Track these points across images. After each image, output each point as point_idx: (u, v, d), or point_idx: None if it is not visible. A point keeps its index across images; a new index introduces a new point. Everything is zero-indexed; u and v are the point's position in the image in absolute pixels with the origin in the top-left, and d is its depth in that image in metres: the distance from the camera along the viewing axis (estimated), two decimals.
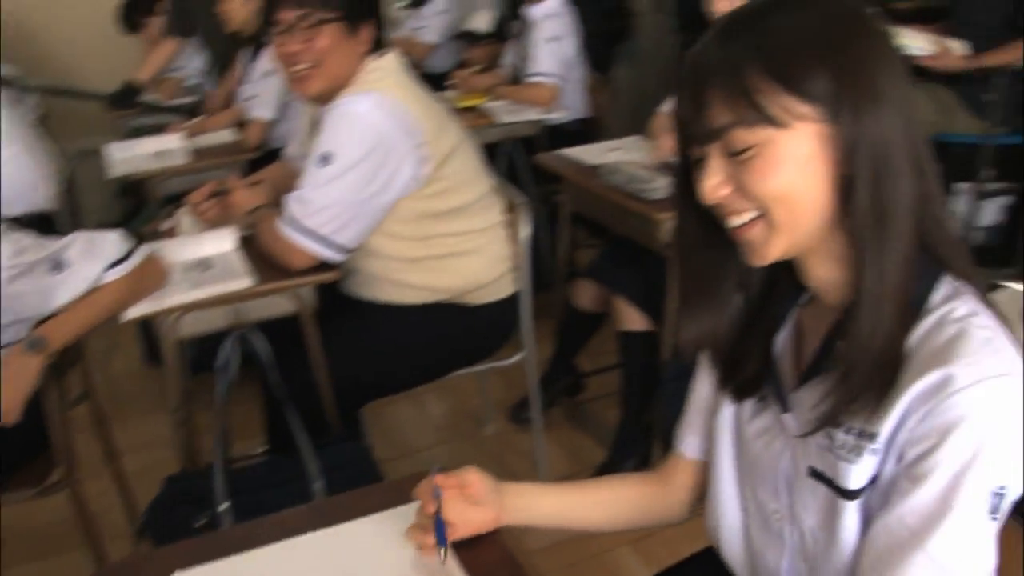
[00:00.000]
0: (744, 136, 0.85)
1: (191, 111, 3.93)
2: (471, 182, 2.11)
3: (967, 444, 0.81)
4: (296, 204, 1.91)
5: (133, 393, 3.20)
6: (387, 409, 2.86)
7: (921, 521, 0.83)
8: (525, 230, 2.21)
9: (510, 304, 2.23)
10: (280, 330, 1.99)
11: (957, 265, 0.91)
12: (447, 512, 1.09)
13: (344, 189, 1.89)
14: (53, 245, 1.73)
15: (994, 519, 0.82)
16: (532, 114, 3.46)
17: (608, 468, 2.51)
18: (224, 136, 3.40)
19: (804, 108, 0.83)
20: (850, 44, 0.84)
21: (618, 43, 4.93)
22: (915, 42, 3.20)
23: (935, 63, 3.17)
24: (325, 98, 1.97)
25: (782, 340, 1.02)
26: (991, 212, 3.43)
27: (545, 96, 3.49)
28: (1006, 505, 0.83)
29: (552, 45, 3.50)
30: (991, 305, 0.90)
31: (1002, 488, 0.82)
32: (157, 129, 3.61)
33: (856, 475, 0.89)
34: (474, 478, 1.12)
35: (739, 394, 1.05)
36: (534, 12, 3.58)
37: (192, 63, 4.31)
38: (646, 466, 2.52)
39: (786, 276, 0.98)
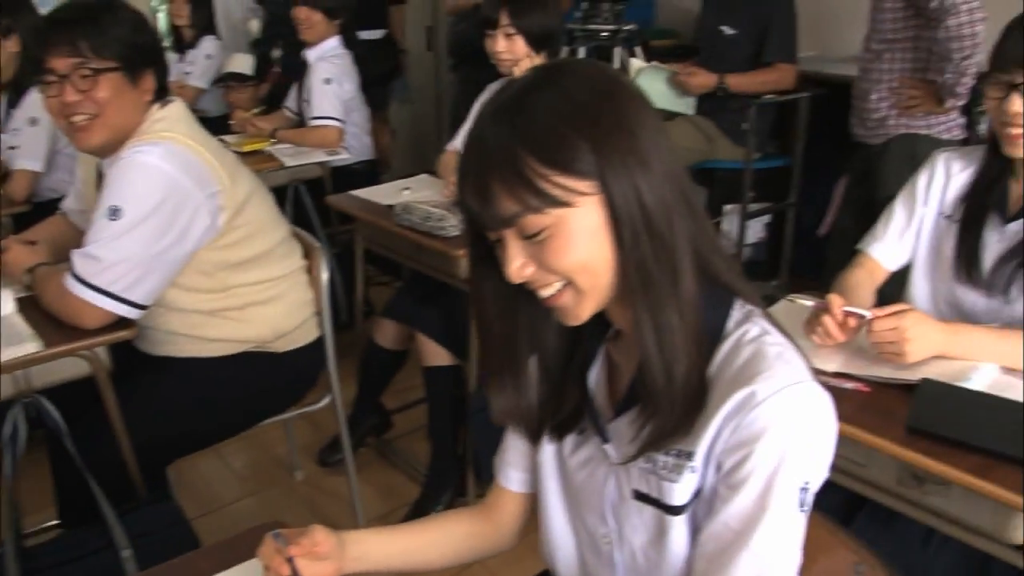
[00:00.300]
0: (535, 220, 0.89)
1: None
2: (268, 229, 2.08)
3: (774, 450, 0.90)
4: (85, 261, 1.81)
5: None
6: (187, 464, 2.73)
7: (743, 523, 0.91)
8: (324, 274, 2.20)
9: (315, 349, 2.21)
10: (71, 394, 1.87)
11: (741, 289, 0.99)
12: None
13: (136, 243, 1.81)
14: None
15: (803, 511, 0.92)
16: (317, 156, 3.45)
17: (424, 503, 2.53)
18: None
19: (581, 184, 0.88)
20: (603, 113, 0.89)
21: (391, 81, 5.01)
22: (673, 68, 3.56)
23: (689, 79, 3.51)
24: (108, 149, 1.88)
25: (595, 374, 1.08)
26: (755, 230, 3.74)
27: (331, 138, 3.48)
28: (811, 497, 0.93)
29: (331, 87, 3.51)
30: (777, 323, 0.98)
31: (807, 483, 0.92)
32: None
33: (680, 492, 0.97)
34: (322, 536, 1.11)
35: (559, 432, 1.10)
36: (310, 55, 3.59)
37: None
38: (462, 497, 2.56)
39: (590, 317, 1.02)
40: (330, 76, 3.52)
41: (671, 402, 0.93)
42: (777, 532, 0.91)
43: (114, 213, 1.79)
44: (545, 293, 0.94)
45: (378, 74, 4.45)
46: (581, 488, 1.09)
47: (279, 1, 4.26)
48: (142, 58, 1.87)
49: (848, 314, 1.59)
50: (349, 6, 3.57)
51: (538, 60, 2.63)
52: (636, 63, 3.64)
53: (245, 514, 2.60)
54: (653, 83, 3.61)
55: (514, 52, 2.53)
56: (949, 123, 2.93)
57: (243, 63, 4.13)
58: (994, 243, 1.72)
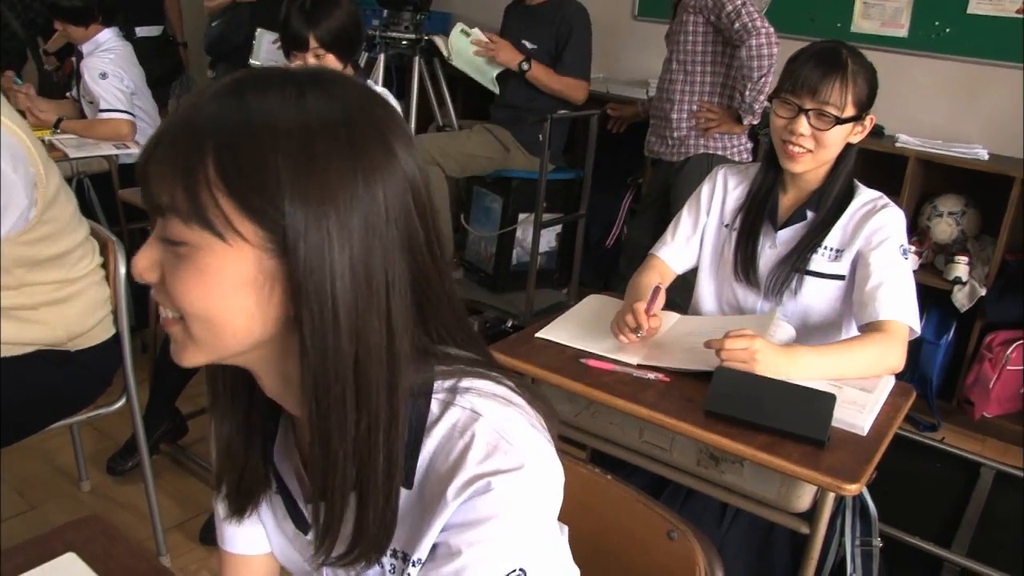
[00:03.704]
0: (178, 228, 0.70)
1: None
2: (72, 227, 1.94)
3: (486, 537, 0.77)
4: None
5: None
6: None
7: None
8: (122, 269, 2.10)
9: (109, 347, 2.09)
10: None
11: (456, 346, 0.83)
12: None
13: None
14: None
15: None
16: (105, 149, 3.28)
17: None
18: None
19: (245, 225, 0.70)
20: (315, 157, 0.69)
21: (172, 80, 4.83)
22: (486, 36, 3.77)
23: (497, 52, 3.70)
24: None
25: (279, 454, 0.91)
26: (547, 240, 3.89)
27: (123, 130, 3.33)
28: None
29: (108, 81, 3.36)
30: (490, 376, 0.83)
31: (516, 570, 0.78)
32: None
33: None
34: None
35: (238, 506, 0.91)
36: (85, 46, 3.43)
37: None
38: None
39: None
40: (105, 70, 3.36)
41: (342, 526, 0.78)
42: None
43: None
44: (162, 313, 0.76)
45: (159, 74, 4.30)
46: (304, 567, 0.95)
47: None
48: None
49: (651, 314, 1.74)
50: (107, 6, 3.40)
51: (349, 71, 2.64)
52: (459, 25, 3.82)
53: (24, 529, 2.41)
54: (467, 48, 3.80)
55: None
56: (739, 146, 3.21)
57: None
58: (767, 249, 1.91)
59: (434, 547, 0.79)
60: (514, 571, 0.77)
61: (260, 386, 0.83)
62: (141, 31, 4.45)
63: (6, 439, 2.01)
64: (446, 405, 0.79)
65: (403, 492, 0.80)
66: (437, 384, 0.81)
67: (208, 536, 2.41)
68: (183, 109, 0.72)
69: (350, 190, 0.70)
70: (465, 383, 0.81)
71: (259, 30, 3.89)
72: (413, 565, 0.81)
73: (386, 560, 0.83)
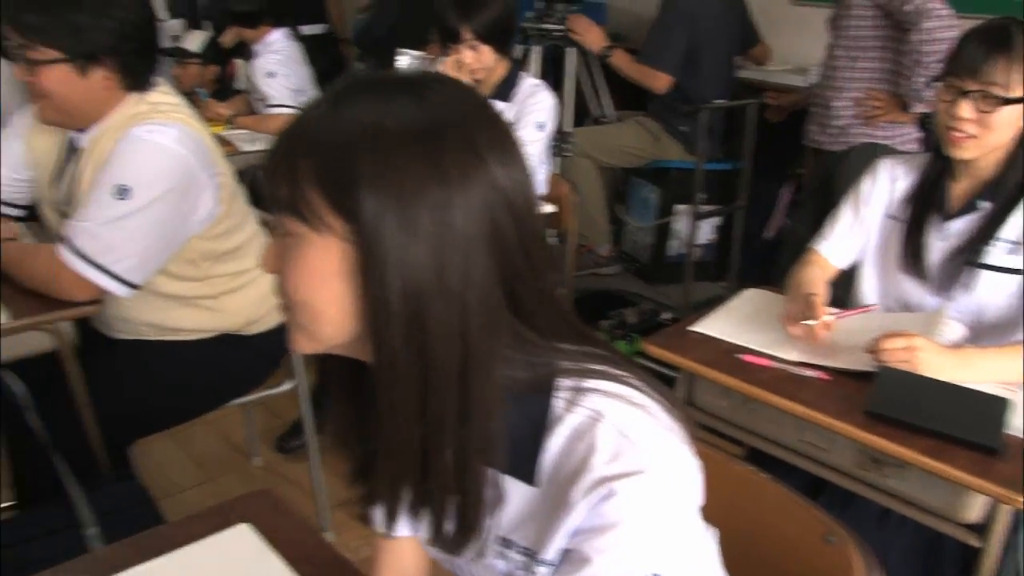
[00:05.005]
0: (287, 221, 0.78)
1: None
2: (248, 219, 2.07)
3: (614, 543, 0.78)
4: (86, 237, 1.74)
5: None
6: (141, 449, 2.68)
7: None
8: None
9: (281, 333, 2.19)
10: (29, 369, 1.86)
11: (564, 352, 0.84)
12: None
13: (145, 225, 1.76)
14: None
15: None
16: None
17: None
18: None
19: (333, 219, 0.75)
20: (390, 157, 0.74)
21: (336, 74, 4.97)
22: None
23: (583, 30, 3.73)
24: (71, 126, 1.85)
25: None
26: (705, 232, 3.83)
27: None
28: None
29: (276, 80, 3.50)
30: (615, 375, 0.84)
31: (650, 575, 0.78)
32: None
33: None
34: None
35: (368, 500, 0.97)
36: (256, 46, 3.58)
37: None
38: None
39: None
40: (273, 70, 3.50)
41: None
42: None
43: (122, 192, 1.73)
44: (279, 300, 0.83)
45: (321, 71, 4.46)
46: (446, 560, 0.99)
47: None
48: (90, 52, 1.72)
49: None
50: (276, 8, 3.55)
51: (504, 63, 2.64)
52: None
53: (202, 500, 2.58)
54: None
55: (483, 62, 2.53)
56: (906, 136, 3.04)
57: (192, 39, 4.03)
58: (937, 241, 1.81)
59: (566, 552, 0.81)
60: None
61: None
62: (305, 30, 4.61)
63: (187, 414, 2.16)
64: (570, 405, 0.81)
65: (530, 490, 0.84)
66: (561, 382, 0.83)
67: None
68: (295, 116, 0.80)
69: (422, 189, 0.74)
70: (589, 383, 0.83)
71: (399, 51, 3.97)
72: (541, 564, 0.83)
73: (513, 555, 0.87)
